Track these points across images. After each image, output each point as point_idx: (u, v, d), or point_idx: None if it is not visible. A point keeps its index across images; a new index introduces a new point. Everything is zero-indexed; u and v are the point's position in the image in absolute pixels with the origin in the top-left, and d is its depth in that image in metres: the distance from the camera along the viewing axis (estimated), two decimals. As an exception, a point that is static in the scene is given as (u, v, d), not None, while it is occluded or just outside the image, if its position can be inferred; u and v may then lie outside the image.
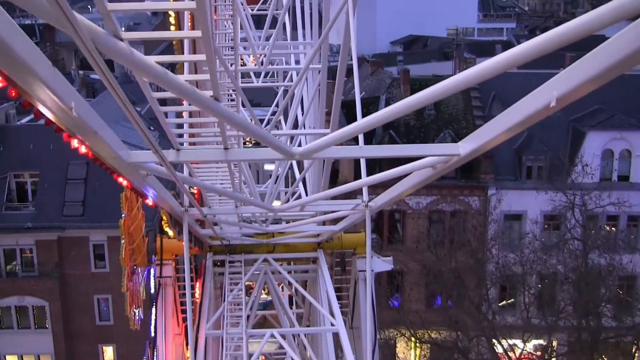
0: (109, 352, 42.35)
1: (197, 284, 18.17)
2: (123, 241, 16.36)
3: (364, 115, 8.09)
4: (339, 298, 18.02)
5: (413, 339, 38.84)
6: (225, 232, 17.29)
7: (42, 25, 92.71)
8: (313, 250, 17.81)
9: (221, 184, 14.13)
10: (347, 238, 17.85)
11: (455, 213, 38.73)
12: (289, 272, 18.31)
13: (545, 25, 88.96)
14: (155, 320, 17.14)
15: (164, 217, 15.43)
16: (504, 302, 39.95)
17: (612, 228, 38.66)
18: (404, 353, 40.62)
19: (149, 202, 11.53)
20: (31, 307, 40.62)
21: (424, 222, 38.87)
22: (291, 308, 20.38)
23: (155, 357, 17.12)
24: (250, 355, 15.91)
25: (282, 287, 20.46)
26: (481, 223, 38.17)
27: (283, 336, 16.86)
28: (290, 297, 22.20)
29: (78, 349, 41.38)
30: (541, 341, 37.86)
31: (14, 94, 4.65)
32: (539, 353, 38.00)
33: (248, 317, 17.45)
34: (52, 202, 40.00)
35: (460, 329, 36.70)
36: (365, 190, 12.93)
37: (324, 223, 17.09)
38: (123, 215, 16.42)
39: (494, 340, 35.67)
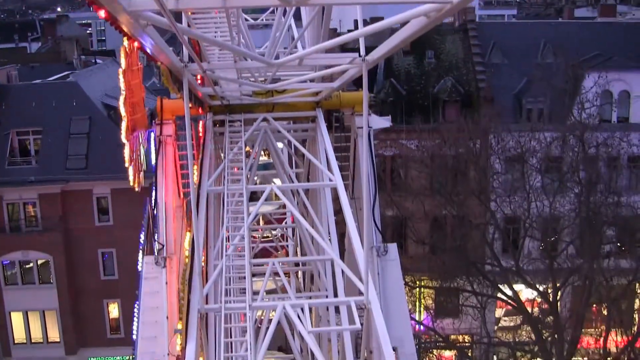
0: (114, 311, 42.37)
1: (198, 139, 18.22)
2: (123, 92, 16.47)
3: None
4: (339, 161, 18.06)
5: (417, 283, 38.76)
6: (224, 91, 17.41)
7: (43, 21, 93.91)
8: (312, 109, 17.87)
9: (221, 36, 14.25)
10: (345, 96, 17.94)
11: (458, 157, 38.75)
12: (288, 131, 18.36)
13: (546, 12, 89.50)
14: (156, 179, 17.17)
15: (164, 74, 15.57)
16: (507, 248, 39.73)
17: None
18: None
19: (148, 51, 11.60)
20: (35, 261, 40.67)
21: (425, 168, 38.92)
22: (291, 168, 20.41)
23: (155, 213, 17.14)
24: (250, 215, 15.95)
25: (283, 150, 20.48)
26: (483, 166, 38.12)
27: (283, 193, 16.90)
28: (290, 158, 22.23)
29: (83, 305, 41.37)
30: (544, 286, 37.72)
31: None
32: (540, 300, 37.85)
33: (248, 177, 17.52)
34: (55, 157, 40.26)
35: (464, 273, 36.65)
36: (361, 42, 13.05)
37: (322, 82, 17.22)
38: (123, 66, 16.55)
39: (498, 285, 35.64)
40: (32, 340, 42.42)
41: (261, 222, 19.43)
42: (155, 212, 17.33)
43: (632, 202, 36.68)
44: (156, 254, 16.70)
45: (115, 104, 40.65)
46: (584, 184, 36.13)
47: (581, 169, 36.48)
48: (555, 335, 33.65)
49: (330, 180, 16.48)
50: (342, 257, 17.32)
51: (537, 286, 36.16)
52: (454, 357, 40.19)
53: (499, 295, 36.46)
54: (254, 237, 19.32)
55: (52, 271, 40.75)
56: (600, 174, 36.97)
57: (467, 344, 38.71)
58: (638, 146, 37.63)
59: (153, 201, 17.82)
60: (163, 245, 16.54)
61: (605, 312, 35.78)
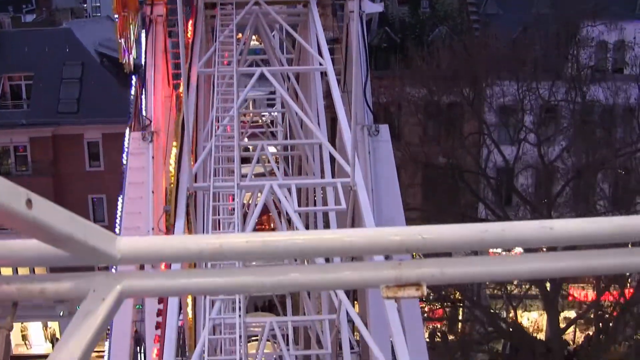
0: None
1: (189, 23, 18.05)
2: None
3: None
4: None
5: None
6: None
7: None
8: (305, -7, 17.78)
9: None
10: (338, -21, 17.86)
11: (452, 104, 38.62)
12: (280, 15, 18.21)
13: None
14: (145, 57, 17.03)
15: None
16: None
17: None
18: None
19: None
20: (25, 206, 40.32)
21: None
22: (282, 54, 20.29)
23: (144, 93, 17.00)
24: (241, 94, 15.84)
25: (274, 35, 20.34)
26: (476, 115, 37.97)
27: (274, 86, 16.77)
28: (281, 44, 22.10)
29: (73, 250, 41.05)
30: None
31: None
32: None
33: (239, 61, 17.40)
34: (47, 101, 40.00)
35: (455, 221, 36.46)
36: None
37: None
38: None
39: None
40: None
41: (250, 107, 19.30)
42: (143, 89, 17.17)
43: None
44: (143, 129, 16.58)
45: (109, 53, 40.88)
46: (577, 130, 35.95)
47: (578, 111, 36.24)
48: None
49: (321, 64, 16.37)
50: (333, 143, 17.24)
51: None
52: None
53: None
54: (244, 123, 19.20)
55: None
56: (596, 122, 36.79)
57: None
58: (633, 96, 37.34)
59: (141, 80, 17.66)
60: (151, 121, 16.40)
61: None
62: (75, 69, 40.44)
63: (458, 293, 35.71)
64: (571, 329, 37.16)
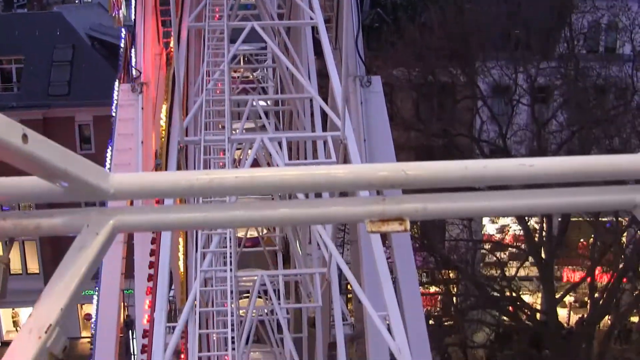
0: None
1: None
2: None
3: None
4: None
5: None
6: None
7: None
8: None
9: None
10: None
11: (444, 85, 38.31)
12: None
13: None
14: (135, 6, 16.84)
15: None
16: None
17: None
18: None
19: None
20: (15, 192, 40.18)
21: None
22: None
23: (134, 47, 16.89)
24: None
25: None
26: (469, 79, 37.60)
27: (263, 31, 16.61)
28: None
29: (63, 235, 40.95)
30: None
31: None
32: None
33: (229, 16, 17.22)
34: (38, 84, 39.75)
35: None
36: None
37: None
38: None
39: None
40: (11, 272, 41.64)
41: (241, 63, 19.25)
42: (133, 41, 17.05)
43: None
44: (133, 81, 16.53)
45: (100, 37, 40.54)
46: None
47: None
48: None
49: (312, 19, 16.22)
50: (325, 99, 17.18)
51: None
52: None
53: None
54: (234, 79, 19.13)
55: (40, 261, 40.34)
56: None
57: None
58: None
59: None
60: (140, 72, 16.33)
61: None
62: (66, 52, 40.21)
63: (452, 274, 35.98)
64: (565, 310, 37.52)
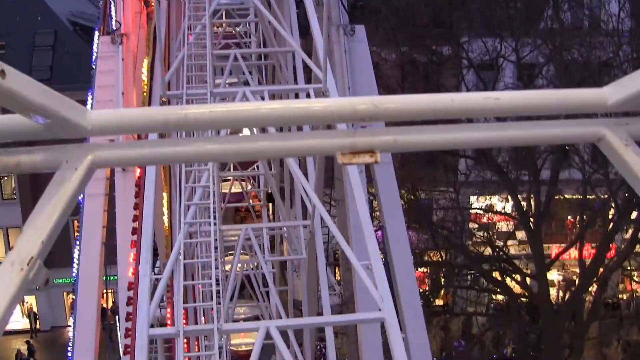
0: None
1: None
2: None
3: None
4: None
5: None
6: None
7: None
8: None
9: None
10: None
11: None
12: None
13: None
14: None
15: None
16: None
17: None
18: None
19: None
20: (-2, 177, 39.59)
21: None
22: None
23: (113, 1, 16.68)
24: None
25: None
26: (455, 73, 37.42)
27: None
28: None
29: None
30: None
31: None
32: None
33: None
34: (20, 69, 36.84)
35: None
36: None
37: None
38: None
39: None
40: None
41: (224, 18, 19.08)
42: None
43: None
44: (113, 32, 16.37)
45: (82, 22, 39.95)
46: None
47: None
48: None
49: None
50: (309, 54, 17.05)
51: None
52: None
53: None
54: (217, 34, 18.96)
55: (15, 187, 39.86)
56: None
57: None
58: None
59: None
60: (120, 24, 16.17)
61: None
62: (47, 37, 40.08)
63: (442, 256, 36.20)
64: (554, 290, 37.87)
